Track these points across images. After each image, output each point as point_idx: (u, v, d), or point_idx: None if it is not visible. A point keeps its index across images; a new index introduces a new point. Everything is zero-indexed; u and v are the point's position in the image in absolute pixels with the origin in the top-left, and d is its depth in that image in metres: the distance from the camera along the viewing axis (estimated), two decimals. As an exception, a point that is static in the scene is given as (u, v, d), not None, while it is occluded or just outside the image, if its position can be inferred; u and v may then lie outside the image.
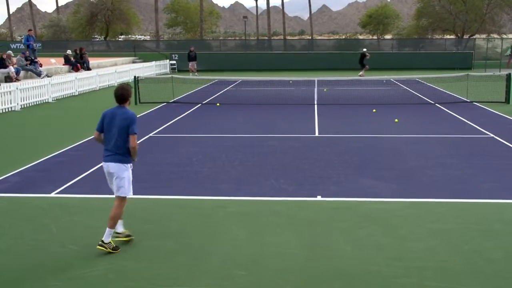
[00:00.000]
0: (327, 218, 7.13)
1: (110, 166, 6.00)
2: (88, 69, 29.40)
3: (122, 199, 6.06)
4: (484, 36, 49.51)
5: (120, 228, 6.23)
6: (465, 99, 19.39)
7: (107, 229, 5.96)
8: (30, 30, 29.60)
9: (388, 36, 65.26)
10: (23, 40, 27.09)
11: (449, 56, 39.31)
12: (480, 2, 51.64)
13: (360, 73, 30.71)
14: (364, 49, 32.71)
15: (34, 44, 26.69)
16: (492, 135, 12.88)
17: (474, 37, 49.01)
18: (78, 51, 30.00)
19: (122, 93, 6.12)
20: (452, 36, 53.33)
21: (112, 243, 5.97)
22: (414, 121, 15.15)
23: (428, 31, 55.97)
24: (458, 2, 52.30)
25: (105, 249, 5.89)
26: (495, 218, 7.08)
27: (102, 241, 5.91)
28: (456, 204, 7.71)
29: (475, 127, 14.02)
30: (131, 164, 6.13)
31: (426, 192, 8.27)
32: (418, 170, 9.59)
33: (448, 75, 23.60)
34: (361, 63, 31.08)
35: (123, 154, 5.98)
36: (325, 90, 23.09)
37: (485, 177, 9.13)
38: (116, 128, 5.98)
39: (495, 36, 50.54)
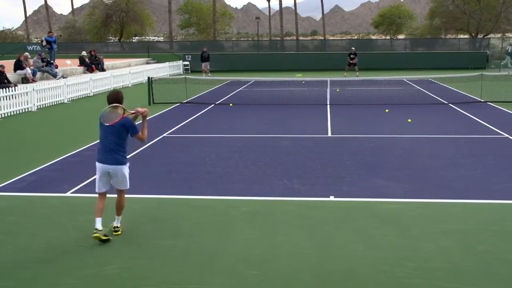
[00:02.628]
0: (340, 218, 7.12)
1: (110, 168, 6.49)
2: (103, 70, 29.63)
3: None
4: (498, 35, 49.00)
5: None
6: (479, 99, 19.22)
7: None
8: (50, 32, 30.05)
9: (401, 36, 64.82)
10: (45, 38, 27.30)
11: (463, 56, 38.96)
12: (494, 1, 51.04)
13: (356, 73, 30.72)
14: (352, 48, 32.55)
15: (55, 46, 27.06)
16: (506, 135, 12.78)
17: (488, 36, 48.50)
18: (93, 53, 30.26)
19: (117, 97, 6.52)
20: (466, 36, 52.80)
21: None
22: (427, 121, 15.06)
23: (441, 31, 55.48)
24: (472, 1, 51.77)
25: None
26: (510, 219, 7.02)
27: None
28: (469, 204, 7.65)
29: (489, 127, 13.91)
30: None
31: (439, 192, 8.22)
32: (431, 170, 9.55)
33: (462, 75, 23.41)
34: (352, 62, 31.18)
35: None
36: (337, 90, 23.04)
37: (499, 177, 9.06)
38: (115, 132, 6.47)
39: (510, 35, 49.98)
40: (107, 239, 6.28)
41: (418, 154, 10.93)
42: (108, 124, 6.27)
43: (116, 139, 6.28)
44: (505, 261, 5.69)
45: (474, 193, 8.20)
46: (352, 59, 31.76)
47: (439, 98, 20.34)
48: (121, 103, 6.40)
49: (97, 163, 6.36)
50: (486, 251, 5.98)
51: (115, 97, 6.43)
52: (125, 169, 6.41)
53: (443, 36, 54.16)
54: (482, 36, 50.05)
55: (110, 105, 6.39)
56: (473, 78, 21.70)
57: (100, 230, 6.24)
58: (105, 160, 6.29)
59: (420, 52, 41.64)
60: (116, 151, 6.27)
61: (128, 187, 6.58)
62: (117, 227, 6.58)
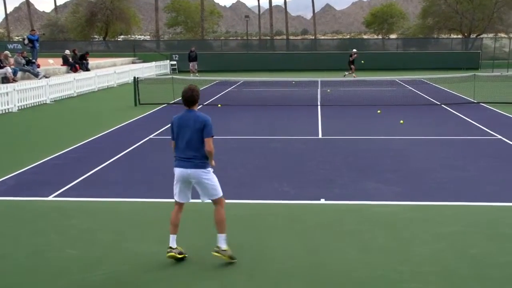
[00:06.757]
0: (331, 221, 7.05)
1: (193, 173, 5.61)
2: (87, 69, 29.20)
3: (220, 200, 5.75)
4: (491, 35, 49.11)
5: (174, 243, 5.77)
6: (472, 100, 19.22)
7: (220, 234, 5.65)
8: (33, 30, 29.63)
9: (393, 36, 64.93)
10: (27, 36, 26.91)
11: (455, 56, 38.97)
12: (487, 0, 51.07)
13: (350, 73, 30.28)
14: (354, 50, 32.12)
15: (37, 45, 26.63)
16: (499, 136, 12.74)
17: (481, 36, 48.61)
18: (76, 52, 29.81)
19: (192, 95, 5.69)
20: (458, 36, 52.87)
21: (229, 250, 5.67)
22: (419, 123, 15.00)
23: (434, 30, 55.51)
24: (465, 0, 51.78)
25: (222, 256, 5.61)
26: (503, 222, 6.97)
27: (218, 247, 5.62)
28: (462, 207, 7.60)
29: (482, 129, 13.88)
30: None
31: (431, 195, 8.16)
32: (423, 172, 9.48)
33: (455, 75, 23.41)
34: (350, 63, 30.74)
35: (201, 158, 5.62)
36: (328, 91, 22.88)
37: (492, 179, 9.02)
38: (192, 132, 5.57)
39: (503, 35, 50.15)
40: (182, 257, 5.72)
41: (410, 156, 10.88)
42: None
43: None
44: (497, 264, 5.65)
45: (466, 195, 8.15)
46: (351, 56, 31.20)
47: (431, 99, 20.34)
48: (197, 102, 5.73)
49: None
50: (478, 254, 5.94)
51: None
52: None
53: (435, 36, 54.18)
54: (475, 36, 50.11)
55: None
56: (465, 78, 21.67)
57: (174, 248, 5.71)
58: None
59: (412, 52, 41.73)
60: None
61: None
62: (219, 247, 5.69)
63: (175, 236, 5.76)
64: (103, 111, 18.24)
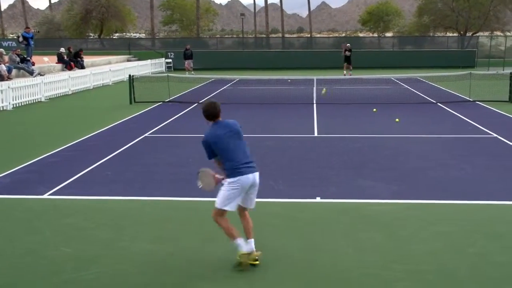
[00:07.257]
0: (326, 220, 7.01)
1: (256, 177, 5.60)
2: (82, 67, 29.04)
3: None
4: (487, 33, 49.11)
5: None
6: (468, 98, 19.19)
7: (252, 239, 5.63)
8: (27, 27, 29.46)
9: (389, 34, 64.80)
10: (22, 34, 26.75)
11: (451, 54, 38.95)
12: (483, -2, 51.01)
13: (349, 72, 30.01)
14: (348, 45, 31.37)
15: (33, 42, 26.47)
16: (495, 135, 12.72)
17: (477, 34, 48.61)
18: (71, 50, 29.62)
19: (215, 107, 5.90)
20: (454, 34, 52.86)
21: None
22: (415, 121, 14.96)
23: (430, 28, 55.48)
24: (461, -2, 51.70)
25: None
26: (500, 220, 6.95)
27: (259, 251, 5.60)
28: (459, 205, 7.57)
29: (478, 127, 13.85)
30: None
31: (427, 193, 8.13)
32: (419, 171, 9.45)
33: (450, 74, 23.37)
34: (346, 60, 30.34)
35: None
36: (323, 90, 22.79)
37: (488, 178, 9.00)
38: (239, 139, 5.70)
39: (499, 33, 50.15)
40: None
41: (406, 154, 10.85)
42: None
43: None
44: (495, 263, 5.63)
45: (463, 194, 8.12)
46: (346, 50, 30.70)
47: (427, 97, 20.29)
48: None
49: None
50: (476, 253, 5.92)
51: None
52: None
53: (431, 34, 54.15)
54: (470, 34, 50.08)
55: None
56: (461, 77, 21.65)
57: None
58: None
59: (408, 50, 41.66)
60: None
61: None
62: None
63: (243, 239, 5.60)
64: (98, 109, 18.13)
